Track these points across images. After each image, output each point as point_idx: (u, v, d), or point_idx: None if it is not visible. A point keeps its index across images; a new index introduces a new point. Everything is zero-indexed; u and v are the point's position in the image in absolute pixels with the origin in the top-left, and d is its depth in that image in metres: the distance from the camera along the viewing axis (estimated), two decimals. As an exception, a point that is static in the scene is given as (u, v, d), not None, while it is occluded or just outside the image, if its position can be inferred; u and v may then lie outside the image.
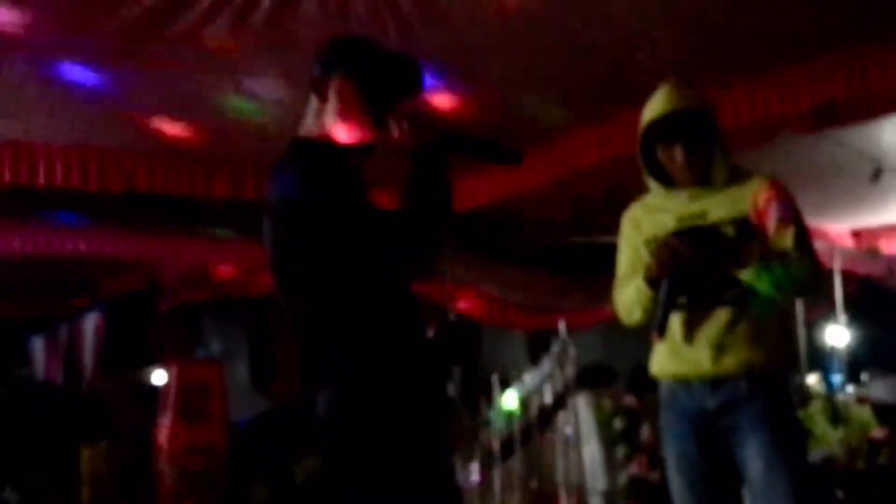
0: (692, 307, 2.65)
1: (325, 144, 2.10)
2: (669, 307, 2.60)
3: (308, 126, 2.15)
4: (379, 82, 2.11)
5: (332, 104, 2.10)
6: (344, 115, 2.10)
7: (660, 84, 2.72)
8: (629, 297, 2.73)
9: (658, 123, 2.68)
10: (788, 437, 2.61)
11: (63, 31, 4.11)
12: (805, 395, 6.47)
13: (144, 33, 4.08)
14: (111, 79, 4.62)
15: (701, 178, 2.69)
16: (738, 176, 2.71)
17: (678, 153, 2.67)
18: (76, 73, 4.47)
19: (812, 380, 7.91)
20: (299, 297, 2.04)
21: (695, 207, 2.68)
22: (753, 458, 2.57)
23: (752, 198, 2.65)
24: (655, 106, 2.69)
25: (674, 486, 2.73)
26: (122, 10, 3.86)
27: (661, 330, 2.61)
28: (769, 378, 2.62)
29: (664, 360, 2.73)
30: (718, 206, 2.66)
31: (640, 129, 2.72)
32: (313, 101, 2.14)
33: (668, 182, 2.75)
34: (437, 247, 2.03)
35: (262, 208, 2.12)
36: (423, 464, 1.97)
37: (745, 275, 2.56)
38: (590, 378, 6.53)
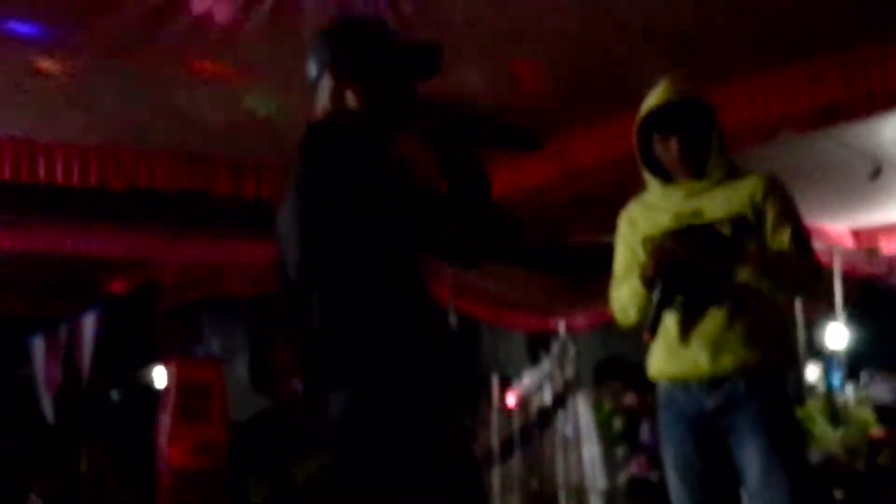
0: (688, 307, 2.65)
1: (351, 126, 1.99)
2: (663, 307, 2.59)
3: (324, 105, 2.04)
4: (398, 70, 2.02)
5: (349, 88, 2.00)
6: (362, 100, 2.00)
7: (660, 80, 2.73)
8: (624, 296, 2.73)
9: (655, 115, 2.68)
10: (786, 437, 2.60)
11: (62, 28, 4.11)
12: (803, 394, 6.47)
13: (145, 31, 4.08)
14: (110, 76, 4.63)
15: (697, 172, 2.68)
16: (735, 173, 2.71)
17: (674, 144, 2.66)
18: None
19: (811, 373, 7.91)
20: (317, 293, 1.93)
21: (691, 205, 2.67)
22: (751, 459, 2.57)
23: (749, 196, 2.64)
24: (653, 97, 2.69)
25: (672, 487, 2.72)
26: (123, 7, 3.87)
27: (653, 330, 2.61)
28: (767, 377, 2.62)
29: (661, 360, 2.72)
30: (715, 204, 2.65)
31: (637, 120, 2.72)
32: (328, 80, 2.03)
33: (665, 178, 2.75)
34: (482, 234, 1.94)
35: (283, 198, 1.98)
36: (446, 464, 1.90)
37: (742, 274, 2.56)
38: (609, 370, 6.54)
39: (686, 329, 2.64)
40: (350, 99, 2.00)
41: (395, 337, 1.89)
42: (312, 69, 2.05)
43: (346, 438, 1.88)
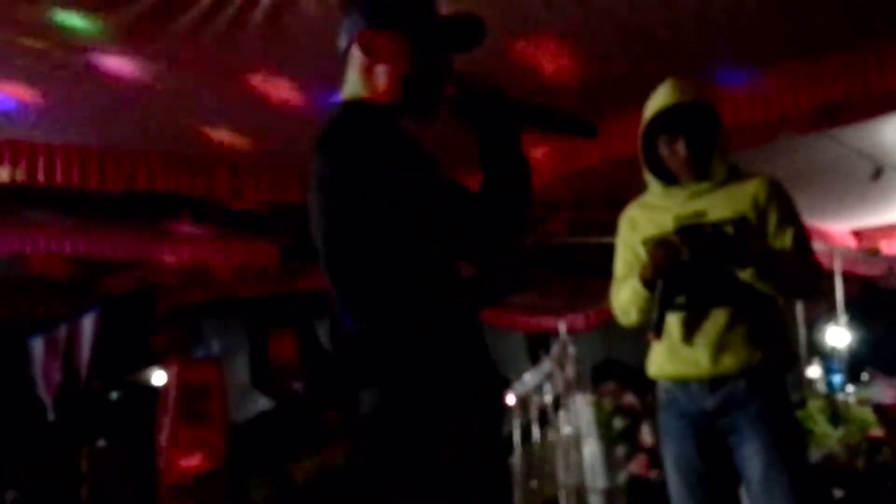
0: (690, 307, 2.65)
1: (384, 108, 1.82)
2: (666, 307, 2.59)
3: (353, 86, 1.88)
4: (436, 42, 1.86)
5: (383, 64, 1.84)
6: (397, 77, 1.84)
7: (663, 80, 2.73)
8: (625, 297, 2.73)
9: (662, 116, 2.68)
10: (787, 438, 2.61)
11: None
12: (804, 395, 6.48)
13: (144, 32, 4.07)
14: (109, 77, 4.62)
15: (701, 174, 2.69)
16: (737, 175, 2.72)
17: (681, 146, 2.67)
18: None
19: (812, 373, 7.91)
20: (353, 285, 1.78)
21: (693, 206, 2.68)
22: (752, 459, 2.57)
23: (752, 197, 2.65)
24: (660, 98, 2.70)
25: (672, 487, 2.73)
26: (123, 8, 3.86)
27: (658, 330, 2.60)
28: (768, 377, 2.62)
29: (663, 360, 2.73)
30: (717, 206, 2.66)
31: (644, 121, 2.72)
32: (357, 57, 1.86)
33: (667, 180, 2.75)
34: (521, 239, 1.80)
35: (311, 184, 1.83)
36: (482, 465, 1.79)
37: (744, 274, 2.56)
38: (607, 372, 6.54)
39: (688, 329, 2.65)
40: (380, 76, 1.85)
41: (428, 334, 1.76)
42: (342, 39, 1.89)
43: (376, 435, 1.78)
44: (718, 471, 2.66)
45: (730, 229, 2.63)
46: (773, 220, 2.64)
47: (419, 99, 1.86)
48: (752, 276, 2.56)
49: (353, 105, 1.85)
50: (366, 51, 1.84)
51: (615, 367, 8.20)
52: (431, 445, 1.74)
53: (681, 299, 2.65)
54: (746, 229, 2.61)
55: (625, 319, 2.78)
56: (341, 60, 1.89)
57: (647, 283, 2.61)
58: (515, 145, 1.81)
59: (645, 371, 2.82)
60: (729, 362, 2.60)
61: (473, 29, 1.89)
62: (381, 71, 1.84)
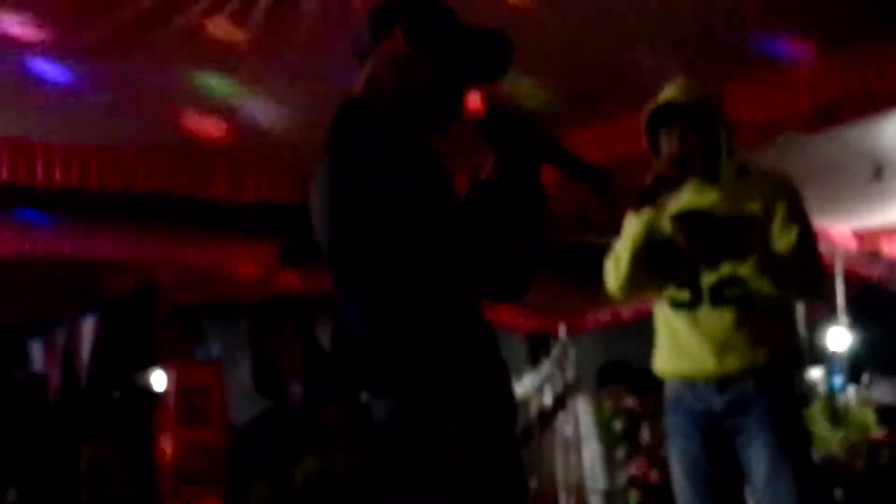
0: (696, 306, 2.66)
1: (394, 106, 1.80)
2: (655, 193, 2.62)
3: (375, 73, 1.85)
4: (464, 59, 1.85)
5: (416, 56, 1.81)
6: (428, 69, 1.82)
7: (660, 80, 2.75)
8: (620, 242, 2.74)
9: (660, 113, 2.70)
10: (793, 438, 2.62)
11: (62, 29, 4.11)
12: (807, 395, 6.48)
13: (143, 31, 4.07)
14: (109, 77, 4.62)
15: (685, 172, 2.70)
16: (745, 173, 2.72)
17: (672, 143, 2.69)
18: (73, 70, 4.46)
19: (815, 374, 7.91)
20: (357, 285, 1.76)
21: (699, 201, 2.69)
22: (758, 459, 2.58)
23: (760, 193, 2.66)
24: (662, 95, 2.72)
25: (678, 486, 2.73)
26: (122, 7, 3.86)
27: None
28: (775, 377, 2.62)
29: (668, 358, 2.73)
30: (723, 202, 2.67)
31: (644, 114, 2.75)
32: (387, 51, 1.83)
33: None
34: (529, 267, 1.78)
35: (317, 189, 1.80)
36: (499, 474, 1.75)
37: (745, 270, 2.56)
38: (612, 375, 6.54)
39: (694, 328, 2.65)
40: (411, 66, 1.81)
41: (430, 335, 1.73)
42: (365, 39, 1.87)
43: (391, 442, 1.75)
44: (724, 471, 2.66)
45: (734, 225, 2.64)
46: (779, 216, 2.64)
47: (443, 96, 1.84)
48: (752, 272, 2.56)
49: (359, 103, 1.82)
50: (408, 41, 1.81)
51: (619, 368, 8.19)
52: (440, 449, 1.71)
53: (685, 296, 2.66)
54: (752, 226, 2.62)
55: (615, 267, 2.76)
56: (363, 59, 1.86)
57: (644, 191, 2.63)
58: (534, 176, 1.80)
59: (650, 370, 2.82)
60: (734, 361, 2.61)
61: (503, 46, 1.89)
62: (413, 61, 1.82)
